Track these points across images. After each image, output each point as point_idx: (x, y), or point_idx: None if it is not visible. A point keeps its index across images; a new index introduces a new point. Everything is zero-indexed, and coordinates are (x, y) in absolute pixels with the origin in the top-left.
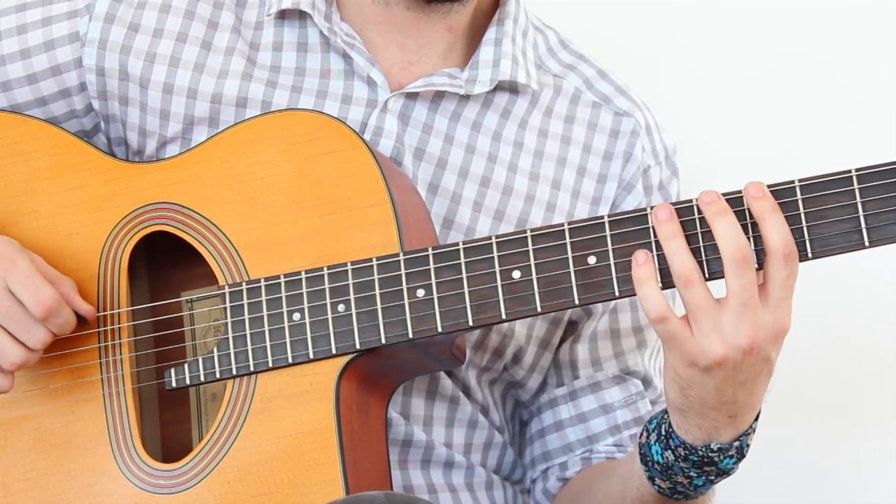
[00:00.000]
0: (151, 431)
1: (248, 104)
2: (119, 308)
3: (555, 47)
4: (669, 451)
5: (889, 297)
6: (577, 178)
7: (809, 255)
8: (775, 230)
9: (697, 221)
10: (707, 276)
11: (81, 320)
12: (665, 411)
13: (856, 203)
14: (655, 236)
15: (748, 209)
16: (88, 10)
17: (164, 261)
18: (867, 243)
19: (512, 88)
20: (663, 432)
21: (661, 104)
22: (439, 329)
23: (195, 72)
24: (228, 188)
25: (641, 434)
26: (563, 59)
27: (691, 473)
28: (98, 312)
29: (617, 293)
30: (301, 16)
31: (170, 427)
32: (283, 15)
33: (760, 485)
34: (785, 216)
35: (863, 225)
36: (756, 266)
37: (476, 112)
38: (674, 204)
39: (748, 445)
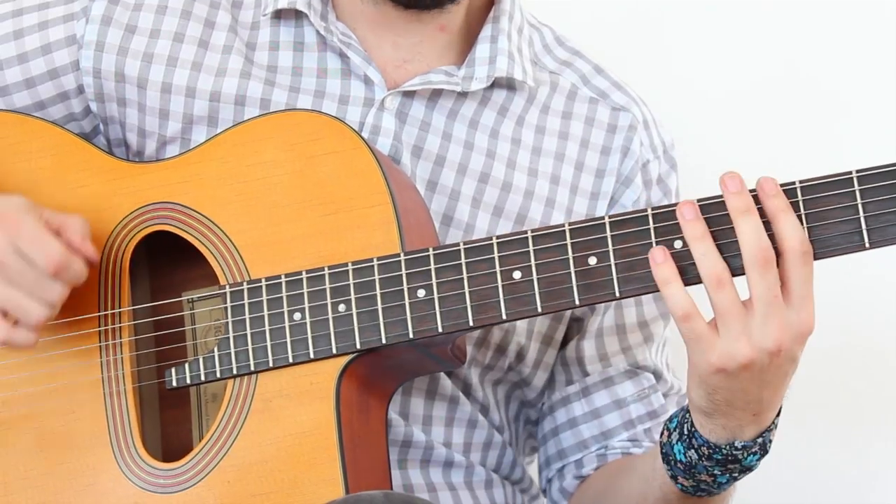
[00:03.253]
0: (152, 431)
1: (247, 102)
2: (120, 307)
3: (550, 44)
4: (693, 451)
5: (890, 298)
6: (576, 173)
7: None
8: (792, 229)
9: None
10: None
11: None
12: (686, 409)
13: (857, 204)
14: (656, 237)
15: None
16: (85, 13)
17: (166, 260)
18: (868, 244)
19: (509, 85)
20: (685, 432)
21: (657, 101)
22: (440, 329)
23: (193, 70)
24: (230, 188)
25: (662, 433)
26: (558, 55)
27: (715, 472)
28: (99, 312)
29: (617, 294)
30: (297, 15)
31: (170, 427)
32: (279, 14)
33: (764, 485)
34: None
35: (863, 226)
36: None
37: (473, 110)
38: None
39: (770, 441)
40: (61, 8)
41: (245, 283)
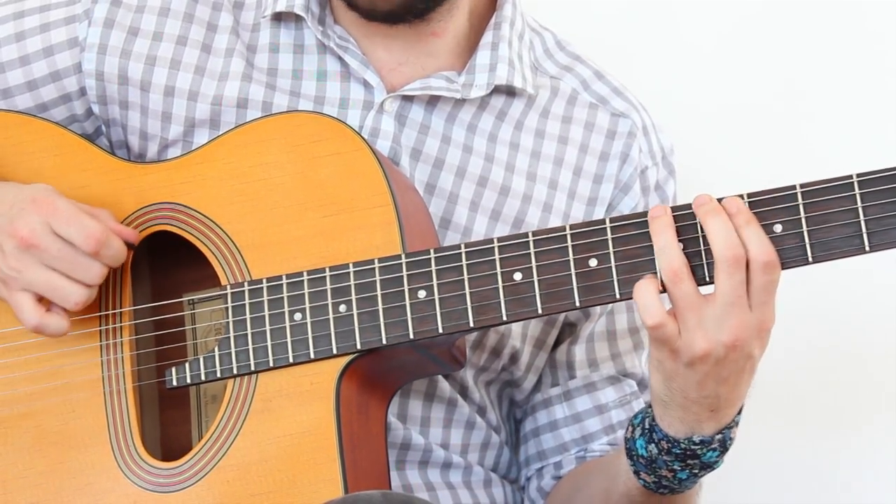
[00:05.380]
0: (151, 432)
1: (249, 105)
2: (121, 307)
3: (551, 49)
4: (653, 445)
5: (889, 301)
6: (574, 178)
7: (810, 259)
8: (755, 237)
9: (699, 225)
10: (708, 279)
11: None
12: (649, 405)
13: (857, 208)
14: None
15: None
16: (87, 15)
17: (167, 261)
18: (868, 248)
19: (508, 91)
20: (647, 426)
21: (657, 105)
22: (440, 330)
23: (196, 74)
24: (232, 189)
25: (627, 429)
26: (559, 60)
27: (675, 467)
28: (100, 311)
29: (618, 295)
30: (297, 18)
31: (170, 428)
32: (278, 17)
33: (752, 485)
34: (786, 221)
35: (864, 230)
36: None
37: (472, 114)
38: (674, 208)
39: (731, 439)
40: (63, 10)
41: (246, 284)
